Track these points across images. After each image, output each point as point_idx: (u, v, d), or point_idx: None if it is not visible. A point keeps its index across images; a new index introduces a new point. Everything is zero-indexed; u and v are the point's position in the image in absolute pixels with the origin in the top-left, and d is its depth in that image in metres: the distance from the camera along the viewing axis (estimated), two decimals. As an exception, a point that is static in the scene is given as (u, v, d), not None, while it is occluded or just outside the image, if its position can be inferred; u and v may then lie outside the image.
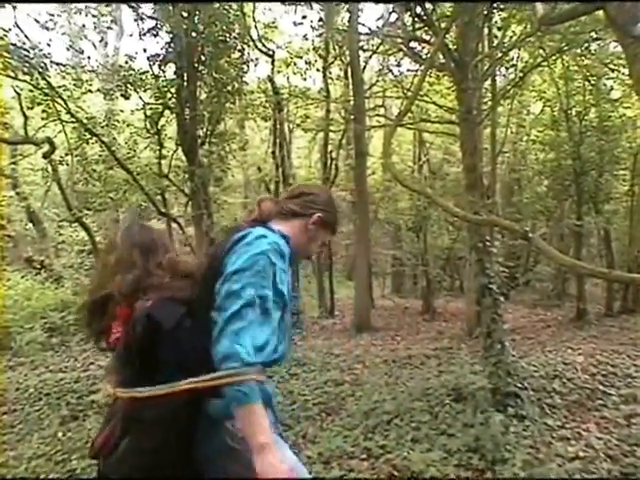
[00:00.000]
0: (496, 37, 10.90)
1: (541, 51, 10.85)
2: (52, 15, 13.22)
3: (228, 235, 2.33)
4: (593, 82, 13.47)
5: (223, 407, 2.06)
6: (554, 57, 11.69)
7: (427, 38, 9.39)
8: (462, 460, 4.53)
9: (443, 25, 7.95)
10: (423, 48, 10.82)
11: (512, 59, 12.52)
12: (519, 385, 5.75)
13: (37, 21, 12.62)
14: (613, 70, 12.64)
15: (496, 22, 9.93)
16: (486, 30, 10.03)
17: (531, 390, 5.99)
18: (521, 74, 12.11)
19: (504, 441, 4.72)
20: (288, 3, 13.77)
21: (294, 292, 2.52)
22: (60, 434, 5.62)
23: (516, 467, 4.27)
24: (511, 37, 9.95)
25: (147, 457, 2.04)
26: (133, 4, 11.50)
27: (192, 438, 2.11)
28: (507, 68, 14.12)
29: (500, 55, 9.83)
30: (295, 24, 15.13)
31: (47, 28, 13.23)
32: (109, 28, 18.04)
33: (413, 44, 10.58)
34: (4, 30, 11.38)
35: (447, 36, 8.06)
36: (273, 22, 17.20)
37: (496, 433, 4.81)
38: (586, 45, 11.05)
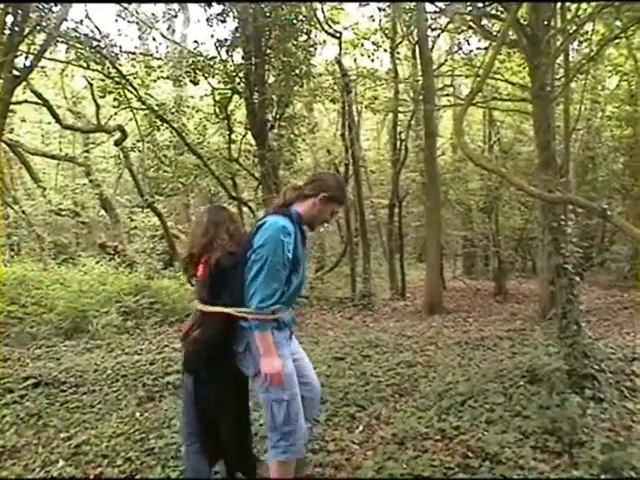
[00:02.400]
0: (569, 10, 10.55)
1: (618, 22, 10.49)
2: (122, 5, 13.39)
3: (257, 222, 3.71)
4: (675, 52, 12.97)
5: (247, 328, 3.43)
6: (632, 28, 11.30)
7: (498, 14, 9.20)
8: (538, 442, 4.46)
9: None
10: (494, 24, 10.64)
11: (587, 32, 12.12)
12: (596, 367, 5.62)
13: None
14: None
15: (570, -6, 9.67)
16: (559, 3, 9.72)
17: (609, 372, 5.85)
18: (596, 48, 11.74)
19: (581, 424, 4.62)
20: None
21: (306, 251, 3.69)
22: (138, 414, 5.73)
23: (595, 450, 4.17)
24: (586, 9, 9.63)
25: (203, 342, 3.57)
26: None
27: (230, 338, 3.52)
28: (581, 42, 13.74)
29: (574, 29, 9.56)
30: (361, 4, 15.01)
31: (119, 17, 13.43)
32: (175, 16, 18.28)
33: (483, 21, 10.42)
34: (76, 22, 11.60)
35: (519, 11, 7.88)
36: (339, 3, 17.09)
37: (573, 415, 4.71)
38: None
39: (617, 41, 12.97)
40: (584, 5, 9.85)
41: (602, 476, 3.78)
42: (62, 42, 11.53)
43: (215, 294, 3.53)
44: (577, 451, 4.26)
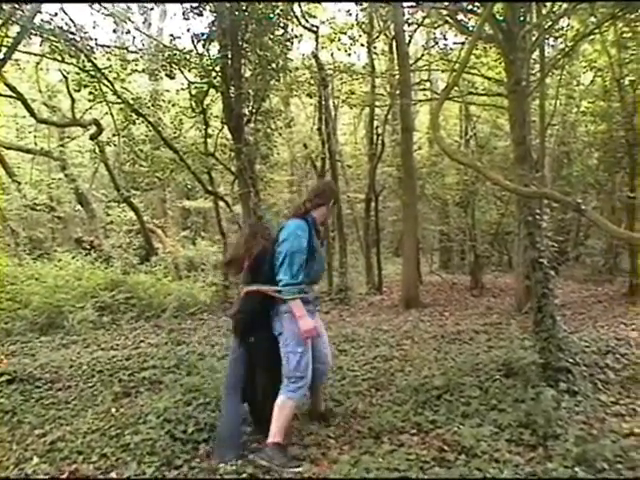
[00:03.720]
0: (545, 5, 10.61)
1: (593, 19, 10.55)
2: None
3: (280, 225, 5.05)
4: (648, 49, 13.05)
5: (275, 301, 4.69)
6: (607, 24, 11.38)
7: (474, 9, 9.22)
8: (513, 435, 4.50)
9: (490, -5, 7.78)
10: (470, 19, 10.65)
11: (562, 28, 12.17)
12: (571, 360, 5.67)
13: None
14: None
15: (545, -10, 9.69)
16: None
17: (583, 365, 5.91)
18: (571, 43, 11.81)
19: (556, 416, 4.67)
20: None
21: (322, 244, 5.00)
22: (113, 410, 5.70)
23: (568, 443, 4.20)
24: (560, 5, 9.68)
25: (246, 312, 4.84)
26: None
27: (265, 309, 4.75)
28: (556, 38, 13.81)
29: (549, 24, 9.61)
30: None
31: (94, 10, 13.32)
32: (152, 9, 18.16)
33: (459, 16, 10.43)
34: (50, 15, 11.48)
35: (494, 6, 7.90)
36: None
37: (548, 408, 4.75)
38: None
39: (591, 37, 13.05)
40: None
41: (576, 468, 3.81)
42: (36, 35, 11.38)
43: (255, 279, 4.82)
44: (551, 444, 4.30)
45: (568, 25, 12.59)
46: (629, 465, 3.87)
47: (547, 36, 11.86)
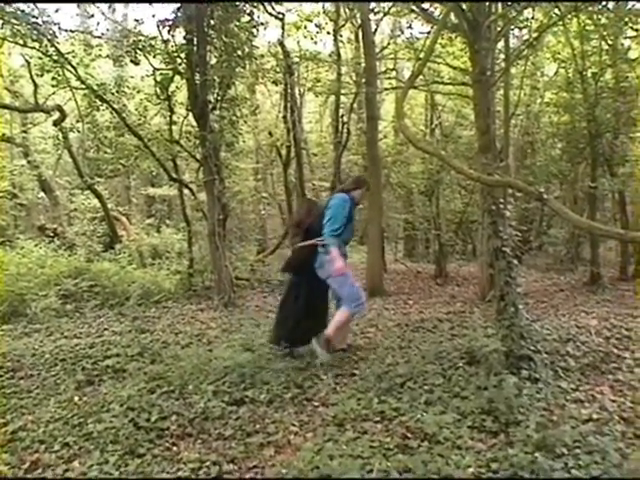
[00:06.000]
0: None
1: (556, 10, 10.63)
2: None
3: (330, 197, 7.58)
4: (610, 42, 13.15)
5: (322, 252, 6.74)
6: (569, 16, 11.47)
7: (439, -2, 9.25)
8: (475, 422, 4.55)
9: (456, -15, 7.82)
10: (435, 9, 10.69)
11: (526, 19, 12.25)
12: (532, 348, 5.74)
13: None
14: (632, 28, 12.35)
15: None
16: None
17: (544, 353, 5.98)
18: (535, 34, 11.90)
19: (517, 403, 4.73)
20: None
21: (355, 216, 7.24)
22: (76, 398, 5.65)
23: (529, 429, 4.27)
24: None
25: (299, 257, 7.10)
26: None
27: (313, 256, 6.83)
28: (521, 28, 13.91)
29: (514, 15, 9.68)
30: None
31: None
32: (117, -7, 17.92)
33: (425, 5, 10.46)
34: (11, -4, 11.26)
35: (460, -4, 7.93)
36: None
37: (509, 396, 4.81)
38: (603, 3, 10.83)
39: (555, 29, 13.16)
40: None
41: (536, 453, 3.87)
42: (-4, 18, 11.19)
43: (309, 236, 6.91)
44: (513, 430, 4.36)
45: (533, 17, 12.69)
46: (587, 450, 3.94)
47: (512, 26, 11.95)
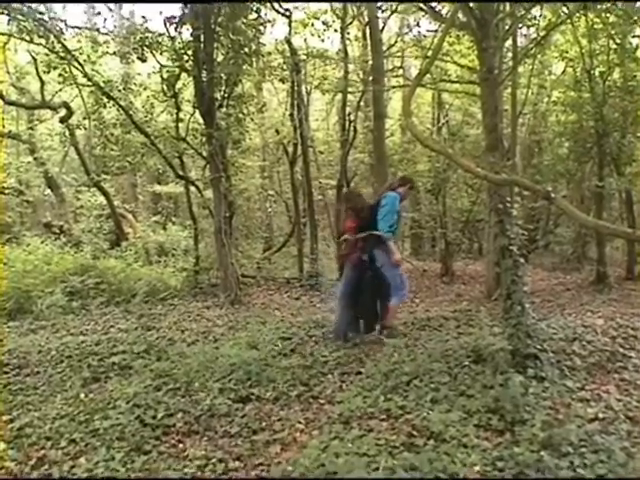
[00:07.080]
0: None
1: (564, 9, 10.60)
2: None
3: (381, 194, 8.09)
4: (618, 40, 13.06)
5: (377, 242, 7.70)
6: (578, 15, 11.43)
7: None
8: (481, 421, 4.54)
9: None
10: (443, 7, 10.67)
11: (534, 17, 12.22)
12: (539, 347, 5.72)
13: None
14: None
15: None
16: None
17: (550, 352, 5.96)
18: (543, 33, 11.86)
19: (523, 402, 4.72)
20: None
21: (403, 212, 9.29)
22: (82, 395, 5.67)
23: (535, 428, 4.25)
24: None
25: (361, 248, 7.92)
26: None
27: (372, 246, 7.69)
28: (529, 27, 13.89)
29: (522, 13, 9.66)
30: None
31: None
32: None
33: (433, 3, 10.44)
34: (18, -8, 11.27)
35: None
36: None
37: (515, 394, 4.80)
38: (612, 1, 10.79)
39: (563, 27, 13.11)
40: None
41: (542, 452, 3.86)
42: (3, 13, 11.20)
43: (364, 228, 7.67)
44: (519, 429, 4.35)
45: (540, 15, 12.66)
46: (593, 449, 3.92)
47: (520, 25, 11.92)
